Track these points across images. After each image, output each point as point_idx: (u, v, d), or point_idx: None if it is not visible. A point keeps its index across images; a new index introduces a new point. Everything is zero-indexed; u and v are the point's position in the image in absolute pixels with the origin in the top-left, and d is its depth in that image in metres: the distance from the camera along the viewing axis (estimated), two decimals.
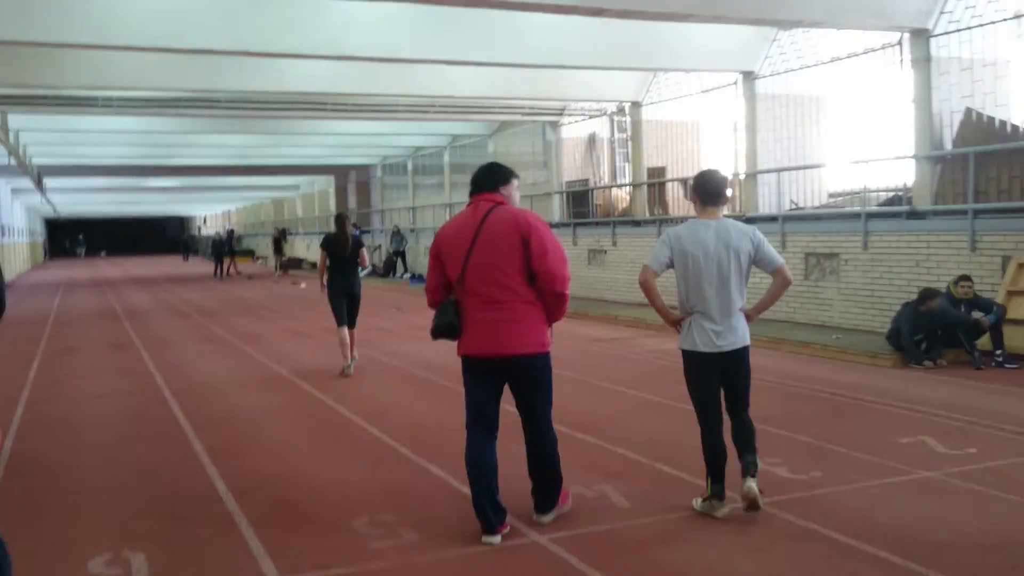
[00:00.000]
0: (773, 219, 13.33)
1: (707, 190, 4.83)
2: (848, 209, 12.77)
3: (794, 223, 12.94)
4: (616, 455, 6.06)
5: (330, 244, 9.94)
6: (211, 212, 74.32)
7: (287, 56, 13.02)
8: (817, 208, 13.54)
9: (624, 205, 18.74)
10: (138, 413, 8.08)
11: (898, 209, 11.60)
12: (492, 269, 4.40)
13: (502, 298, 4.40)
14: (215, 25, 11.67)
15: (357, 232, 11.02)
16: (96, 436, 7.18)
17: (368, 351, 11.49)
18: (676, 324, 4.91)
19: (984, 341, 9.29)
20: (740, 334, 4.77)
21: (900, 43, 12.03)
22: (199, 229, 74.12)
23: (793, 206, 13.86)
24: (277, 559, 4.27)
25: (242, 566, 4.21)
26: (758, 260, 4.77)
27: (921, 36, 11.49)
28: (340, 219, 10.18)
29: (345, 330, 9.85)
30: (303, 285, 25.49)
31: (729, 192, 5.19)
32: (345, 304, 9.84)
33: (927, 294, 9.42)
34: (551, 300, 4.49)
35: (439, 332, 4.55)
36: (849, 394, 8.01)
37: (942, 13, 11.30)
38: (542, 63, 14.22)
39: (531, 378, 4.51)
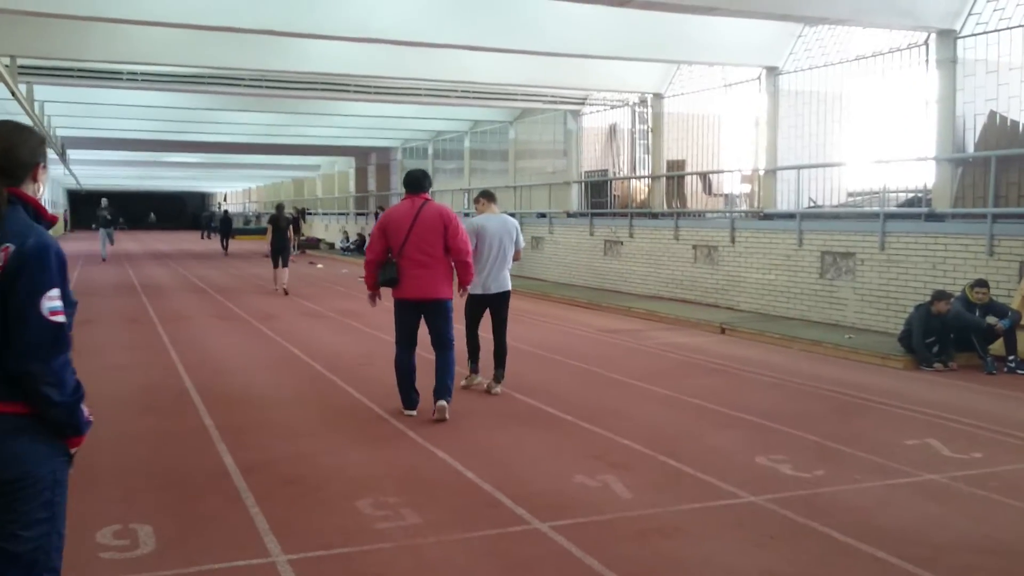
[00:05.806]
0: (791, 216, 13.29)
1: (487, 198, 7.97)
2: (866, 209, 12.71)
3: (811, 221, 12.89)
4: (621, 446, 6.09)
5: (274, 221, 17.39)
6: (232, 189, 74.52)
7: (311, 36, 13.05)
8: (835, 207, 13.48)
9: (642, 197, 18.71)
10: (151, 387, 8.18)
11: (916, 211, 11.53)
12: (424, 243, 6.60)
13: (429, 262, 6.62)
14: (240, 3, 11.75)
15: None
16: (108, 409, 7.26)
17: (384, 335, 11.59)
18: None
19: (997, 346, 9.25)
20: (505, 283, 7.73)
21: (926, 43, 11.94)
22: (219, 205, 73.84)
23: (811, 204, 13.80)
24: (282, 537, 4.33)
25: (248, 542, 4.28)
26: (515, 241, 7.80)
27: (948, 37, 11.40)
28: (279, 207, 17.91)
29: (277, 270, 17.22)
30: (320, 265, 25.59)
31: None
32: (280, 255, 17.05)
33: (938, 295, 9.39)
34: (461, 266, 6.82)
35: (386, 283, 6.68)
36: (857, 394, 8.01)
37: (970, 15, 11.21)
38: (565, 52, 14.21)
39: (443, 314, 6.77)
